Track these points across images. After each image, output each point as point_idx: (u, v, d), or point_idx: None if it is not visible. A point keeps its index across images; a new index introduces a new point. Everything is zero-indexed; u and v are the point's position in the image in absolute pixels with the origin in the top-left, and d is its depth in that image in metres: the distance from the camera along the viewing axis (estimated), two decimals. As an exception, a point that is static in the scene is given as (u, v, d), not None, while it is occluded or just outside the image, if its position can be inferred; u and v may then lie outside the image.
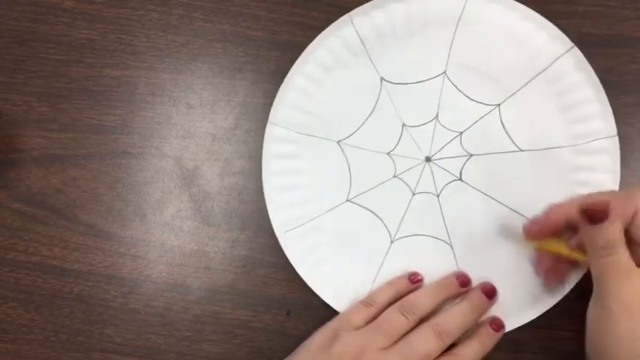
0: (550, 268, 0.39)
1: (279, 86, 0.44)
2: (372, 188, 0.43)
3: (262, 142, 0.44)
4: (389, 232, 0.42)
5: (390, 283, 0.41)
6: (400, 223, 0.42)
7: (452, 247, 0.42)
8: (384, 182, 0.43)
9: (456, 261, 0.42)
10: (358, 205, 0.43)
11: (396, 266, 0.42)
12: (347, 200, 0.43)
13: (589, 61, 0.42)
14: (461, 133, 0.43)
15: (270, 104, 0.44)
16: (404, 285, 0.41)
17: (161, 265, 0.44)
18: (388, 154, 0.43)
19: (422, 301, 0.39)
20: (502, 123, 0.42)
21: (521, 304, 0.40)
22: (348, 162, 0.43)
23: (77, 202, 0.44)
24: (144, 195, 0.45)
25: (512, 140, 0.42)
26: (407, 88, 0.43)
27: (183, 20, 0.46)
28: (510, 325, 0.40)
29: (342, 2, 0.45)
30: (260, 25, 0.46)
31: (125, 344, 0.43)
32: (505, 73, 0.42)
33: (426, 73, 0.43)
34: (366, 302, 0.40)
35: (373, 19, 0.44)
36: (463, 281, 0.40)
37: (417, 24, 0.43)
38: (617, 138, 0.41)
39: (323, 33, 0.44)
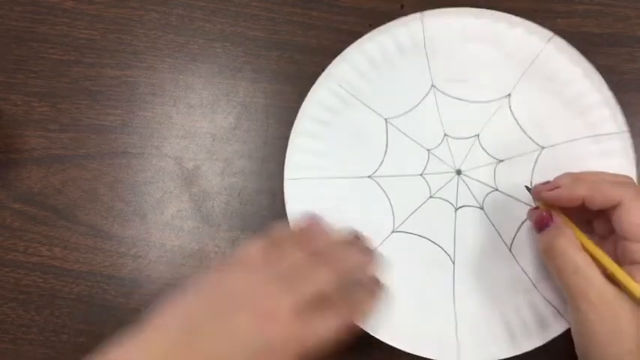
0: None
1: (279, 86, 0.44)
2: (396, 176, 0.43)
3: (262, 142, 0.44)
4: (394, 220, 0.42)
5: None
6: (407, 218, 0.42)
7: (453, 262, 0.41)
8: (409, 175, 0.43)
9: (454, 276, 0.41)
10: (377, 183, 0.43)
11: (390, 255, 0.41)
12: (368, 177, 0.43)
13: (589, 60, 0.42)
14: (499, 161, 0.43)
15: (271, 104, 0.44)
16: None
17: (161, 265, 0.44)
18: (429, 150, 0.43)
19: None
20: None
21: (514, 334, 0.40)
22: (387, 141, 0.43)
23: (77, 202, 0.44)
24: (144, 195, 0.44)
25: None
26: (456, 101, 0.44)
27: (183, 20, 0.46)
28: (516, 350, 0.39)
29: (342, 2, 0.45)
30: (260, 25, 0.46)
31: (125, 344, 0.43)
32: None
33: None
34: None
35: (443, 22, 0.44)
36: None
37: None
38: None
39: (392, 22, 0.44)
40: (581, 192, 0.34)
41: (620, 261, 0.34)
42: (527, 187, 0.40)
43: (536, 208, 0.39)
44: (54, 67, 0.46)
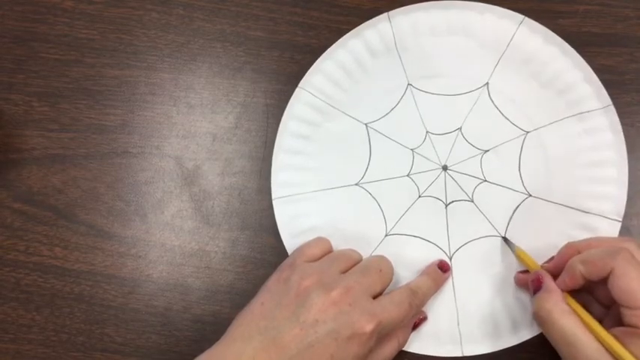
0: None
1: (279, 86, 0.44)
2: (383, 180, 0.43)
3: (262, 142, 0.44)
4: (386, 224, 0.42)
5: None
6: (399, 220, 0.42)
7: (450, 257, 0.42)
8: (396, 178, 0.43)
9: (452, 270, 0.41)
10: (365, 190, 0.43)
11: None
12: (356, 184, 0.43)
13: (589, 61, 0.42)
14: (484, 152, 0.43)
15: (271, 104, 0.44)
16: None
17: (161, 264, 0.44)
18: (412, 150, 0.43)
19: None
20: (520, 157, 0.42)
21: (516, 322, 0.40)
22: (370, 147, 0.43)
23: (77, 202, 0.44)
24: (144, 195, 0.45)
25: (523, 183, 0.42)
26: (434, 97, 0.43)
27: (183, 20, 0.46)
28: (505, 344, 0.40)
29: (342, 2, 0.45)
30: (260, 25, 0.46)
31: (126, 344, 0.43)
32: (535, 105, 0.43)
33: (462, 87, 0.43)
34: (321, 237, 0.41)
35: (411, 19, 0.44)
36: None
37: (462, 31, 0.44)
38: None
39: (362, 26, 0.44)
40: (577, 273, 0.34)
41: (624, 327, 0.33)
42: (504, 237, 0.41)
43: (525, 271, 0.39)
44: (54, 67, 0.46)
